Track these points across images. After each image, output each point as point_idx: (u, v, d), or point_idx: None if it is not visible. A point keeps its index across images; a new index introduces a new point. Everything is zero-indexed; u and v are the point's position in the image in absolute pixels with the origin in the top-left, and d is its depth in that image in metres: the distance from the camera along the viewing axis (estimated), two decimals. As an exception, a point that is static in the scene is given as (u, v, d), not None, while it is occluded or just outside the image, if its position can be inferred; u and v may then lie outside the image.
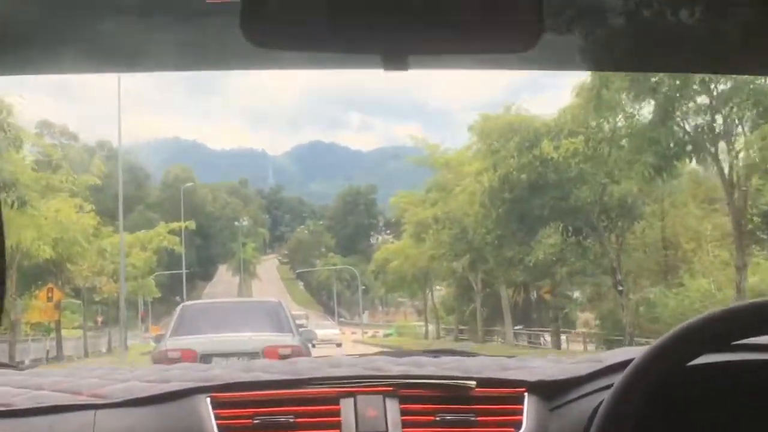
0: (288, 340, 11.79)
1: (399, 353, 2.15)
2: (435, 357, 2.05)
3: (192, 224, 49.25)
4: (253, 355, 10.96)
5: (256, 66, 1.48)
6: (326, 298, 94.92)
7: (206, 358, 10.90)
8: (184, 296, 60.44)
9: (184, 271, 60.23)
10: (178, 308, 13.35)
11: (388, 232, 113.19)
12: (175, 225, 46.00)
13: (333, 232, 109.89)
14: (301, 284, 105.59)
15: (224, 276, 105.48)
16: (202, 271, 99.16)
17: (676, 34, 1.47)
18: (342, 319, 74.99)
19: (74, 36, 1.42)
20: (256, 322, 12.25)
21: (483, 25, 1.13)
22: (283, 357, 8.05)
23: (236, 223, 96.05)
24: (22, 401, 1.76)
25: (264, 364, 1.98)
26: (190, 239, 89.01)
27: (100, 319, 53.87)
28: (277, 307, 12.92)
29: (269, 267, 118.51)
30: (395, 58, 1.16)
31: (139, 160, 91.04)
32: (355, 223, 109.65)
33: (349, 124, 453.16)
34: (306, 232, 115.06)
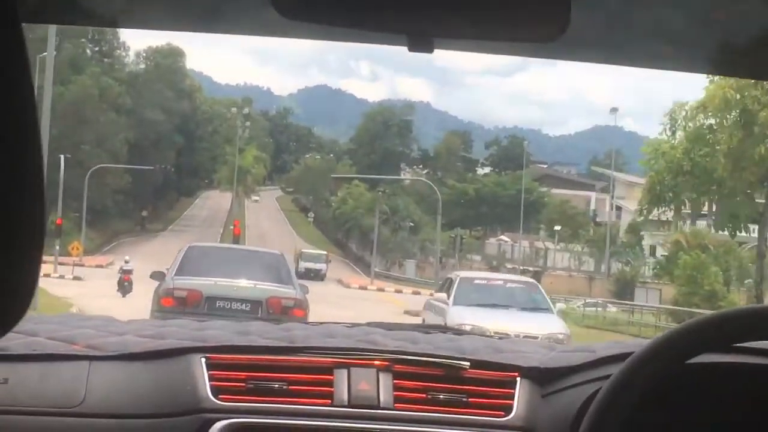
0: (291, 292, 12.31)
1: (392, 326, 2.16)
2: (427, 333, 2.08)
3: None
4: (256, 303, 11.82)
5: (277, 34, 1.43)
6: (344, 238, 72.23)
7: (211, 300, 11.85)
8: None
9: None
10: (185, 247, 13.54)
11: (421, 166, 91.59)
12: None
13: (354, 158, 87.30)
14: (311, 216, 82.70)
15: (213, 195, 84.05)
16: (183, 183, 76.45)
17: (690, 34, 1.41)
18: (375, 270, 52.79)
19: None
20: (259, 272, 12.61)
21: (511, 12, 1.12)
22: (286, 308, 11.69)
23: (231, 113, 72.47)
24: (17, 346, 1.75)
25: (259, 328, 1.99)
26: (167, 135, 66.09)
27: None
28: (279, 259, 13.37)
29: (268, 196, 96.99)
30: (421, 39, 1.16)
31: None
32: (383, 149, 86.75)
33: (358, 72, 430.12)
34: (317, 157, 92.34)
